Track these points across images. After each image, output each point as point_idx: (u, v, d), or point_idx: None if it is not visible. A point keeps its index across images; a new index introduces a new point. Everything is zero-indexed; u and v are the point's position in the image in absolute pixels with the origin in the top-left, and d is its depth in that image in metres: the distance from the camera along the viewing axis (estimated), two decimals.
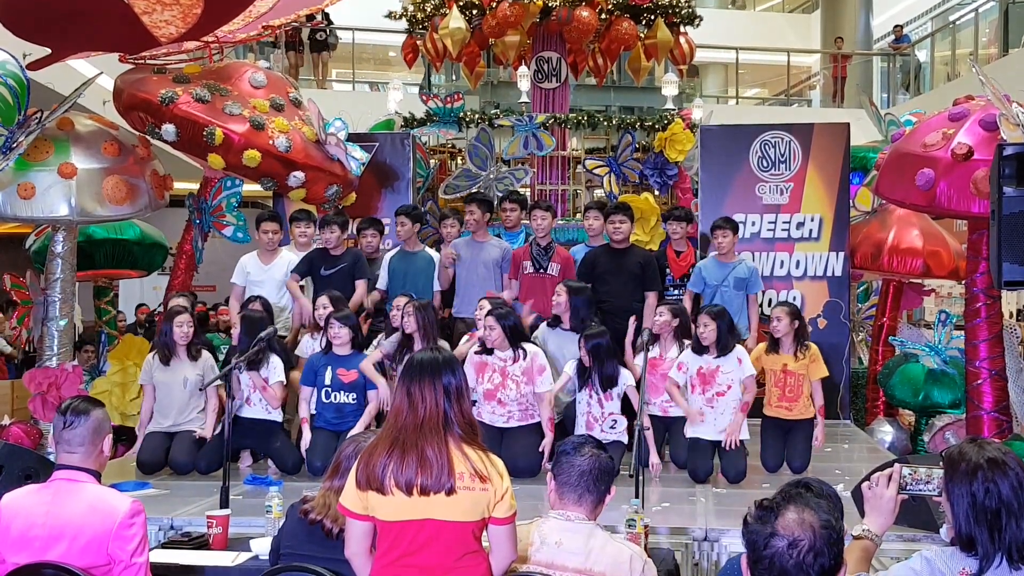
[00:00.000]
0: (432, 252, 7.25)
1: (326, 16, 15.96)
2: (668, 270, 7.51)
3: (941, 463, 2.57)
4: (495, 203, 7.96)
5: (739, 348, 5.75)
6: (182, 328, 5.94)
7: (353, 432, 5.47)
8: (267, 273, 7.02)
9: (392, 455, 2.81)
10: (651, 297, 6.73)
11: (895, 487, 2.58)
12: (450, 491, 2.78)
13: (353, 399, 5.82)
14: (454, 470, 2.79)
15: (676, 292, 7.35)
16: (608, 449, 5.56)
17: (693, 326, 5.82)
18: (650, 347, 5.42)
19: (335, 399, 5.83)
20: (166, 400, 6.00)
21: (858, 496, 4.15)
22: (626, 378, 5.69)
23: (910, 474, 2.59)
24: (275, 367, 5.94)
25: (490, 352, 5.80)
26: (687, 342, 5.90)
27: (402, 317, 5.99)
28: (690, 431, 5.76)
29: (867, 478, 2.65)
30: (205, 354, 6.07)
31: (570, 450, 2.96)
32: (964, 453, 2.50)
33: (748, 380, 5.68)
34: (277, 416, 5.99)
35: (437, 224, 8.66)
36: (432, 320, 5.96)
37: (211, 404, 6.03)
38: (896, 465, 2.62)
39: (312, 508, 3.20)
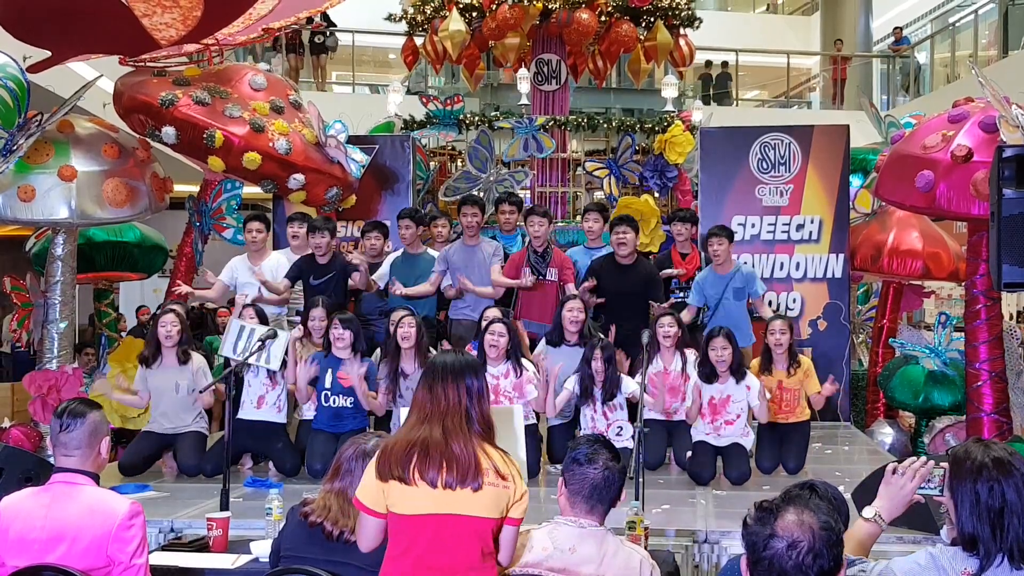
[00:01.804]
0: (434, 253, 7.25)
1: (327, 18, 15.98)
2: (675, 274, 7.48)
3: (941, 463, 2.59)
4: (494, 206, 7.97)
5: (750, 376, 5.74)
6: (165, 328, 5.91)
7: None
8: (254, 275, 6.98)
9: (416, 449, 2.79)
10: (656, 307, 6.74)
11: (917, 483, 2.61)
12: (478, 488, 2.77)
13: (351, 403, 5.81)
14: (481, 466, 2.79)
15: (682, 295, 7.32)
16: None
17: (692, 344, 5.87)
18: (652, 354, 5.43)
19: (334, 403, 5.82)
20: (159, 404, 5.99)
21: (859, 497, 4.15)
22: (627, 386, 5.69)
23: None
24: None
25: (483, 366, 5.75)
26: (688, 352, 5.93)
27: (396, 328, 5.96)
28: (695, 435, 5.77)
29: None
30: (196, 358, 6.00)
31: (583, 460, 2.92)
32: (970, 452, 2.51)
33: (759, 408, 5.68)
34: (282, 418, 6.00)
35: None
36: (424, 338, 5.98)
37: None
38: (929, 462, 2.64)
39: (312, 511, 3.19)
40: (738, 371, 5.67)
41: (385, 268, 7.07)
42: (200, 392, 5.85)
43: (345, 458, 3.21)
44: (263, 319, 6.27)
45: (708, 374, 5.69)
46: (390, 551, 2.84)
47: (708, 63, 19.07)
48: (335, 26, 16.46)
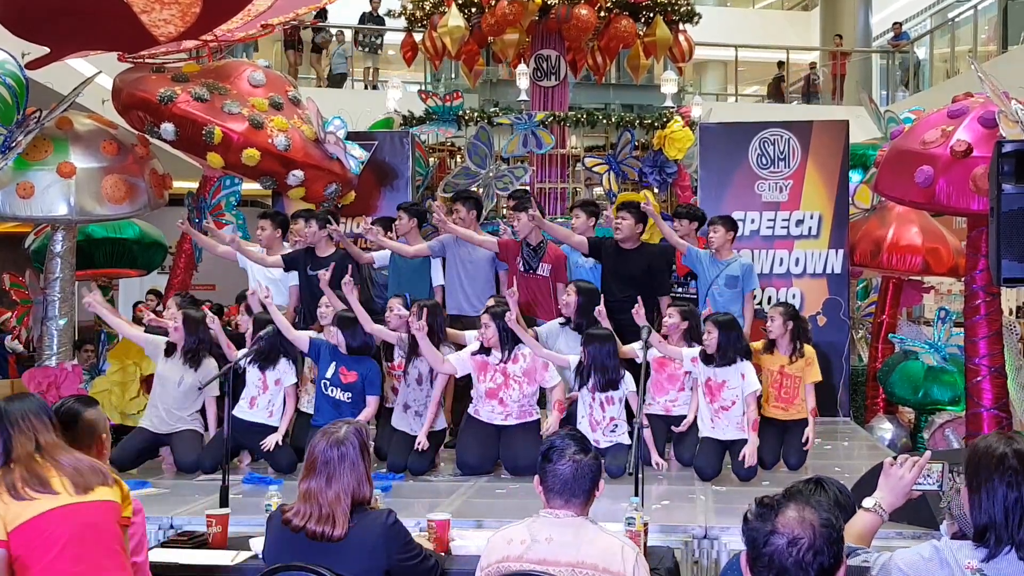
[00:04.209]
0: None
1: (323, 15, 15.91)
2: (674, 268, 7.44)
3: (939, 459, 2.62)
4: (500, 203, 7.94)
5: (745, 363, 5.65)
6: (170, 327, 6.04)
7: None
8: (264, 271, 7.01)
9: (29, 475, 2.72)
10: (661, 303, 6.67)
11: (916, 474, 2.66)
12: (107, 483, 2.82)
13: (348, 398, 5.82)
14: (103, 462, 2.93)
15: (679, 290, 7.27)
16: (606, 452, 5.62)
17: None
18: (648, 348, 5.38)
19: (332, 393, 5.84)
20: (160, 392, 6.03)
21: (858, 493, 4.16)
22: (628, 384, 5.67)
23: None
24: (285, 369, 5.95)
25: (488, 352, 5.82)
26: (696, 345, 5.89)
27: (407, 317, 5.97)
28: (702, 432, 5.76)
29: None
30: (209, 362, 6.01)
31: (553, 458, 2.93)
32: (991, 444, 2.53)
33: (750, 397, 5.63)
34: (274, 422, 5.95)
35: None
36: (441, 322, 5.96)
37: (211, 410, 6.07)
38: (928, 454, 2.68)
39: (295, 514, 3.12)
40: (724, 356, 5.61)
41: (385, 253, 7.06)
42: (200, 388, 5.84)
43: (319, 451, 3.13)
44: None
45: (703, 355, 5.70)
46: (37, 565, 2.67)
47: (781, 63, 19.08)
48: (326, 20, 16.41)
